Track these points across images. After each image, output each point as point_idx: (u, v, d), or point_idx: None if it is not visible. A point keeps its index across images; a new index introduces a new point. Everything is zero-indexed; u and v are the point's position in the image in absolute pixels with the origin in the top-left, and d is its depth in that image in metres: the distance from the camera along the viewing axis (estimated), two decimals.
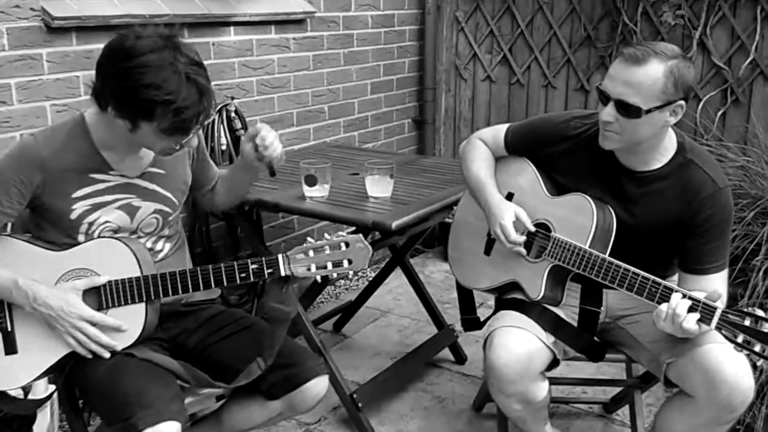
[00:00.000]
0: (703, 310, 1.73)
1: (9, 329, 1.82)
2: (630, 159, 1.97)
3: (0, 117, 2.44)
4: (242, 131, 3.11)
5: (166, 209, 1.95)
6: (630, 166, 1.98)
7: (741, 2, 3.41)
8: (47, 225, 1.86)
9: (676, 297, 1.76)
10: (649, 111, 1.81)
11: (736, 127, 3.53)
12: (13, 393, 1.93)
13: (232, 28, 3.17)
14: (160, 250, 1.96)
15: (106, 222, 1.85)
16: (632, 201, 1.98)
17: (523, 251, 2.05)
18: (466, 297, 2.37)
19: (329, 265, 1.75)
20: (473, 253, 2.24)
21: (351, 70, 3.90)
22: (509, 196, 2.15)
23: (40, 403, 2.04)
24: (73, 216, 1.82)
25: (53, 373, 1.86)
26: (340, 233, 1.76)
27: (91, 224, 1.84)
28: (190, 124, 1.71)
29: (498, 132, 2.21)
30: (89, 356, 1.78)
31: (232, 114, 3.09)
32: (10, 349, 1.82)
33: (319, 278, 1.77)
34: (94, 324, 1.76)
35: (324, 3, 3.64)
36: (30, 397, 2.08)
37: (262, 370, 1.82)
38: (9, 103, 2.46)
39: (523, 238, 2.04)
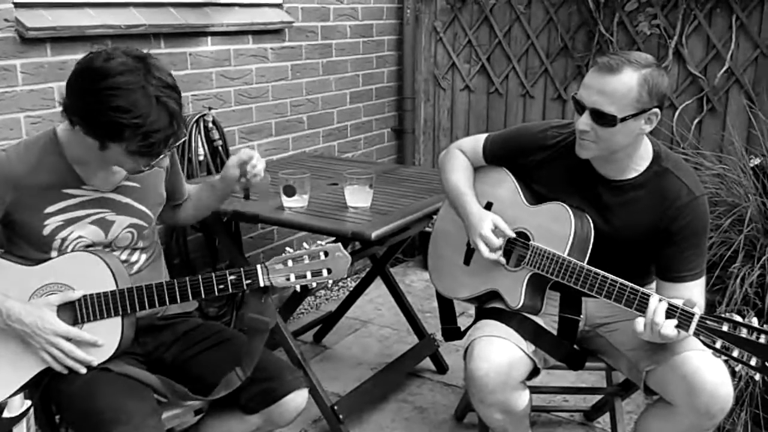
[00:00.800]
0: (681, 316, 1.73)
1: None
2: (606, 168, 1.98)
3: None
4: (220, 142, 3.09)
5: (141, 223, 1.93)
6: (606, 174, 1.99)
7: (716, 11, 3.46)
8: (19, 240, 1.83)
9: (653, 302, 1.77)
10: (623, 119, 1.82)
11: (713, 135, 3.57)
12: None
13: (209, 38, 3.15)
14: (135, 262, 1.94)
15: (80, 237, 1.82)
16: (609, 210, 2.00)
17: (503, 260, 2.05)
18: (446, 306, 2.37)
19: (308, 275, 1.73)
20: (453, 263, 2.24)
21: (330, 79, 3.90)
22: (488, 206, 2.16)
23: (16, 421, 2.00)
24: (46, 232, 1.79)
25: (28, 388, 1.83)
26: (320, 242, 1.75)
27: (64, 240, 1.81)
28: (159, 147, 1.68)
29: (477, 142, 2.22)
30: (65, 372, 1.75)
31: (210, 124, 3.06)
32: None
33: (298, 288, 1.75)
34: (69, 339, 1.73)
35: (302, 13, 3.63)
36: (5, 413, 2.04)
37: (242, 380, 1.80)
38: None
39: (500, 245, 2.04)
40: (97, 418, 1.66)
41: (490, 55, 4.14)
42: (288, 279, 1.73)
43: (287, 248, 1.76)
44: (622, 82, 1.81)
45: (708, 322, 1.70)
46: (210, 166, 3.05)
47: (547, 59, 3.96)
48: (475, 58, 4.20)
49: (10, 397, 1.81)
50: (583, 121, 1.87)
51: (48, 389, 1.81)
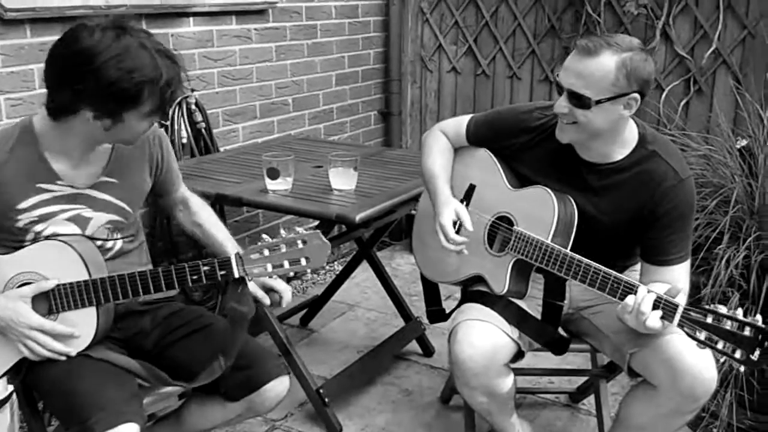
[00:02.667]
0: (665, 307, 1.71)
1: None
2: (589, 152, 1.96)
3: None
4: (203, 124, 3.06)
5: (119, 219, 1.88)
6: (590, 158, 1.97)
7: None
8: None
9: (642, 292, 1.74)
10: (599, 102, 1.80)
11: (699, 116, 3.56)
12: None
13: (191, 18, 3.11)
14: (111, 248, 1.90)
15: (54, 234, 1.78)
16: (594, 193, 1.97)
17: (461, 249, 2.02)
18: (430, 289, 2.36)
19: (286, 264, 1.68)
20: (437, 247, 2.21)
21: (315, 61, 3.86)
22: (471, 189, 2.14)
23: None
24: (20, 225, 1.75)
25: (10, 374, 1.81)
26: (297, 229, 1.70)
27: (38, 233, 1.77)
28: (174, 94, 1.69)
29: (460, 123, 2.19)
30: (44, 359, 1.73)
31: (193, 106, 3.03)
32: None
33: (275, 278, 1.72)
34: (45, 332, 1.71)
35: None
36: None
37: (223, 369, 1.78)
38: None
39: (462, 239, 2.01)
40: (77, 404, 1.64)
41: (477, 37, 4.11)
42: (265, 269, 1.69)
43: (264, 236, 1.71)
44: (599, 65, 1.78)
45: (692, 313, 1.67)
46: (193, 149, 3.02)
47: (534, 40, 3.93)
48: (462, 40, 4.16)
49: None
50: (561, 103, 1.86)
51: (28, 376, 1.78)
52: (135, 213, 1.94)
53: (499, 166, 2.10)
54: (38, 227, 1.77)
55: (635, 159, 1.94)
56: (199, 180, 2.59)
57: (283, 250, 1.68)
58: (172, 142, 2.95)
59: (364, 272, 3.47)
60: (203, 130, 3.06)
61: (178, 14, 3.04)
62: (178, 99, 2.98)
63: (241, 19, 3.34)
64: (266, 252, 1.69)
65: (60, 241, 1.75)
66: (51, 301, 1.73)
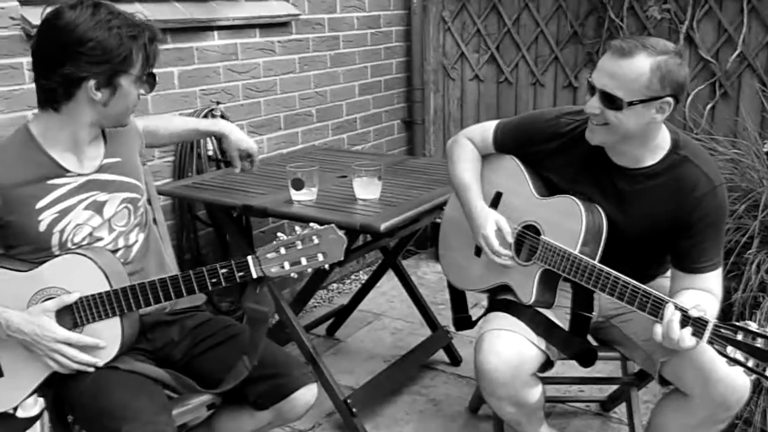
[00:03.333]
0: (695, 323, 1.67)
1: None
2: (621, 156, 1.93)
3: None
4: None
5: (134, 195, 1.92)
6: (621, 163, 1.94)
7: None
8: (18, 243, 1.81)
9: (668, 314, 1.69)
10: (631, 104, 1.78)
11: (725, 120, 3.52)
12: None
13: (215, 32, 3.14)
14: (135, 242, 1.92)
15: (77, 225, 1.81)
16: (624, 199, 1.94)
17: (510, 263, 2.02)
18: (457, 296, 2.34)
19: (303, 261, 1.68)
20: (463, 254, 2.21)
21: (338, 72, 3.88)
22: (498, 196, 2.13)
23: (30, 423, 2.00)
24: (42, 228, 1.78)
25: (41, 389, 1.83)
26: (312, 225, 1.69)
27: (62, 231, 1.80)
28: (157, 53, 1.80)
29: (486, 130, 2.18)
30: (73, 372, 1.75)
31: (219, 119, 3.05)
32: None
33: (295, 275, 1.70)
34: (71, 344, 1.73)
35: (308, 5, 3.61)
36: (19, 412, 2.05)
37: (248, 369, 1.79)
38: None
39: (508, 252, 2.01)
40: (107, 416, 1.65)
41: (499, 44, 4.11)
42: (282, 267, 1.69)
43: (279, 234, 1.71)
44: (634, 67, 1.76)
45: (722, 330, 1.63)
46: (219, 161, 3.04)
47: (557, 47, 3.92)
48: (484, 47, 4.16)
49: (24, 400, 1.81)
50: (593, 104, 1.83)
51: (59, 389, 1.81)
52: (144, 189, 1.99)
53: (525, 173, 2.08)
54: (60, 224, 1.79)
55: (667, 164, 1.90)
56: (225, 192, 2.61)
57: (299, 247, 1.68)
58: (199, 155, 2.98)
59: (389, 281, 3.47)
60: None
61: (203, 28, 3.07)
62: (203, 115, 3.01)
63: (264, 32, 3.37)
64: (282, 250, 1.68)
65: (78, 254, 1.77)
66: (75, 314, 1.75)
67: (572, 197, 1.95)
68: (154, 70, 1.83)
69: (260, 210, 2.47)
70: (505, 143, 2.14)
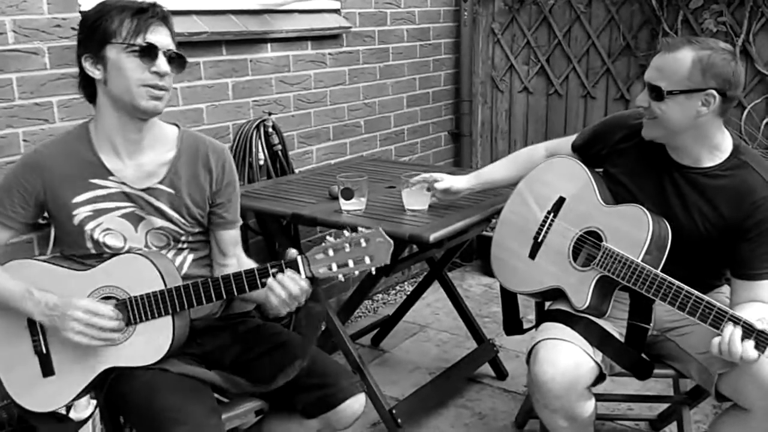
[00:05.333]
0: (758, 336, 1.66)
1: (45, 351, 1.83)
2: (680, 154, 1.96)
3: (42, 135, 2.48)
4: (279, 146, 3.12)
5: (174, 228, 1.90)
6: (681, 161, 1.96)
7: None
8: (60, 234, 1.88)
9: (728, 330, 1.68)
10: (671, 93, 1.83)
11: None
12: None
13: (269, 44, 3.19)
14: (181, 263, 1.94)
15: (108, 230, 1.84)
16: (684, 199, 1.95)
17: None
18: (509, 299, 2.32)
19: (350, 263, 1.69)
20: (517, 255, 2.19)
21: (387, 84, 3.90)
22: (560, 201, 2.13)
23: (81, 424, 2.04)
24: (76, 222, 1.83)
25: (92, 390, 1.86)
26: (361, 229, 1.70)
27: (93, 230, 1.84)
28: (149, 20, 1.73)
29: (569, 137, 2.29)
30: (99, 344, 1.74)
31: (270, 129, 3.10)
32: (48, 371, 1.83)
33: (341, 277, 1.71)
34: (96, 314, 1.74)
35: (359, 18, 3.65)
36: (72, 413, 2.09)
37: (298, 370, 1.80)
38: (51, 121, 2.50)
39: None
40: (158, 418, 1.67)
41: (550, 56, 4.08)
42: (330, 269, 1.70)
43: (327, 237, 1.72)
44: (676, 59, 1.84)
45: None
46: (270, 171, 3.08)
47: (609, 59, 3.88)
48: (534, 59, 4.14)
49: (75, 399, 1.85)
50: (642, 97, 1.91)
51: (111, 391, 1.83)
52: (189, 228, 1.93)
53: (592, 180, 2.09)
54: (92, 223, 1.83)
55: (728, 167, 1.92)
56: (275, 201, 2.64)
57: (347, 249, 1.68)
58: (250, 164, 3.02)
59: (434, 293, 3.46)
60: (279, 153, 3.12)
61: (257, 40, 3.12)
62: (255, 125, 3.05)
63: (316, 44, 3.42)
64: (331, 252, 1.69)
65: (138, 254, 1.81)
66: (129, 312, 1.78)
67: (641, 207, 1.96)
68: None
69: (310, 219, 2.49)
70: (584, 138, 2.22)
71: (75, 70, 2.50)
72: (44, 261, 1.88)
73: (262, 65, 3.17)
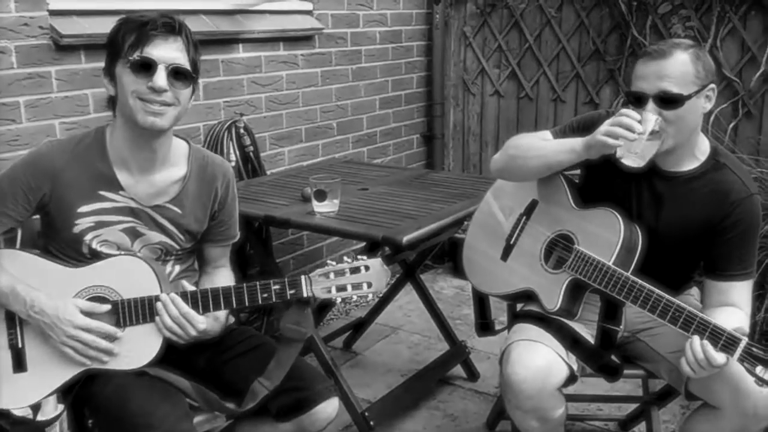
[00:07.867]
0: (727, 340, 1.68)
1: (20, 345, 1.79)
2: (665, 160, 1.94)
3: (9, 135, 2.43)
4: (251, 148, 3.10)
5: (171, 243, 1.90)
6: (663, 165, 1.96)
7: (751, 14, 3.41)
8: (54, 234, 1.84)
9: (696, 344, 1.70)
10: (689, 96, 1.82)
11: (748, 138, 3.50)
12: (20, 413, 1.89)
13: (240, 45, 3.17)
14: (170, 272, 1.93)
15: (106, 241, 1.82)
16: (662, 201, 1.96)
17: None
18: (481, 301, 2.32)
19: (349, 288, 1.76)
20: (489, 257, 2.20)
21: (359, 86, 3.90)
22: (533, 204, 2.13)
23: (47, 424, 2.00)
24: (76, 230, 1.80)
25: (62, 392, 1.83)
26: (361, 257, 1.77)
27: (91, 240, 1.81)
28: (151, 31, 1.70)
29: (544, 132, 2.12)
30: (88, 363, 1.74)
31: (242, 131, 3.08)
32: (20, 366, 1.79)
33: (339, 300, 1.77)
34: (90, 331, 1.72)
35: (332, 19, 3.64)
36: (39, 415, 2.05)
37: (269, 390, 1.80)
38: (18, 121, 2.46)
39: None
40: (129, 422, 1.66)
41: (521, 60, 4.12)
42: (329, 291, 1.75)
43: (329, 261, 1.78)
44: (679, 62, 1.82)
45: (754, 349, 1.64)
46: (241, 172, 3.06)
47: (579, 63, 3.92)
48: (505, 63, 4.17)
49: (45, 398, 1.81)
50: (650, 117, 1.80)
51: (80, 393, 1.80)
52: (185, 246, 1.93)
53: (565, 184, 2.10)
54: (91, 234, 1.80)
55: (706, 169, 1.94)
56: (248, 202, 2.62)
57: (348, 274, 1.76)
58: None
59: (406, 295, 3.46)
60: (251, 154, 3.10)
61: (229, 41, 3.10)
62: (226, 126, 3.03)
63: (288, 45, 3.40)
64: (332, 276, 1.76)
65: (136, 256, 1.80)
66: (119, 315, 1.75)
67: (612, 211, 1.96)
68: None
69: (283, 221, 2.48)
70: (563, 130, 2.09)
71: (42, 69, 2.50)
72: (30, 253, 1.84)
73: (234, 66, 3.15)
